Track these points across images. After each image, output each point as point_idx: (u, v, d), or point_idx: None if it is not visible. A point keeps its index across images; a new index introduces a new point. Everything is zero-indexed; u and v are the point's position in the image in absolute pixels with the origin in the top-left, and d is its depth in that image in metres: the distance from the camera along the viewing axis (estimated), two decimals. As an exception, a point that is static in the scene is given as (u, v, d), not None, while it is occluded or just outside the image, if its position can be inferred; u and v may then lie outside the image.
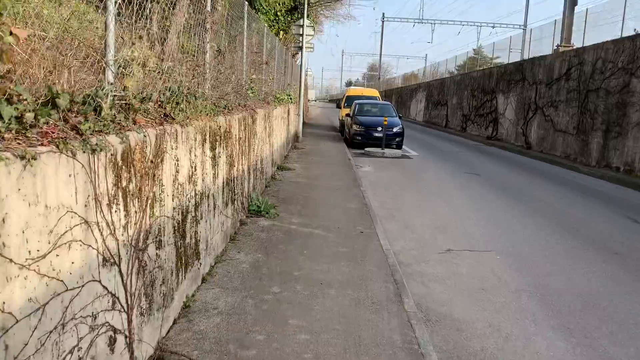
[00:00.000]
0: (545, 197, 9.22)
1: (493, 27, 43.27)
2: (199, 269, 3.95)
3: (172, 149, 3.21)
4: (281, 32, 18.39)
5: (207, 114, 4.22)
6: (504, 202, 8.60)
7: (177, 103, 3.67)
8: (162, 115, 3.34)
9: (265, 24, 11.02)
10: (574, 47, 16.56)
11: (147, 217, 2.80)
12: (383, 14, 47.88)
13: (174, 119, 3.40)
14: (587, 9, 16.42)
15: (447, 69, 34.27)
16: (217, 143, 4.52)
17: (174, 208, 3.27)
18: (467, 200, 8.63)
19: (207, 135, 4.13)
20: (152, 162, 2.84)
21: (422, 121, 35.89)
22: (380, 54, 52.77)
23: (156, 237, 2.94)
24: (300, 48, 16.22)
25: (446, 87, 30.41)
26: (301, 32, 15.91)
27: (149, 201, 2.81)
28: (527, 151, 17.33)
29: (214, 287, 3.98)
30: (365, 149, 15.42)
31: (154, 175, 2.88)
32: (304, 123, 18.83)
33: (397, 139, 15.84)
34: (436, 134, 25.44)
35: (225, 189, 4.99)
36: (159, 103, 3.35)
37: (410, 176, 11.19)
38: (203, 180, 4.03)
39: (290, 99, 13.44)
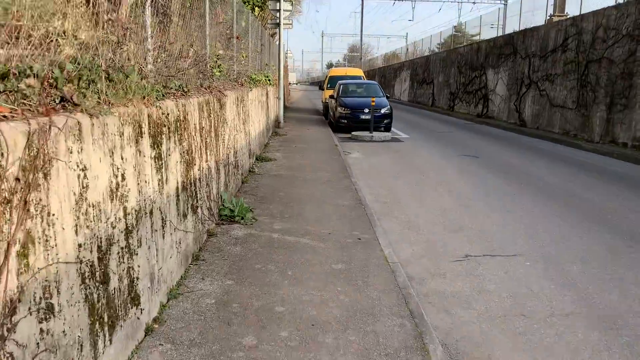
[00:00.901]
0: (557, 181, 8.21)
1: (474, 2, 42.23)
2: (138, 318, 2.78)
3: (71, 152, 2.03)
4: (256, 9, 16.95)
5: (145, 97, 3.02)
6: (514, 189, 7.56)
7: (92, 81, 2.48)
8: (57, 100, 2.14)
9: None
10: (570, 16, 15.51)
11: (13, 275, 1.63)
12: (363, -9, 46.20)
13: (77, 104, 2.21)
14: (583, -26, 15.34)
15: (430, 47, 33.08)
16: (164, 136, 3.32)
17: (80, 245, 2.09)
18: (472, 189, 7.57)
19: (146, 127, 2.94)
20: (18, 180, 1.66)
21: (407, 101, 34.79)
22: (361, 34, 51.05)
23: (38, 303, 1.77)
24: (278, 25, 14.85)
25: (431, 64, 29.24)
26: (278, 8, 14.54)
27: (15, 247, 1.64)
28: (522, 128, 16.36)
29: (162, 342, 2.82)
30: (352, 133, 14.25)
31: (26, 202, 1.70)
32: (285, 107, 17.52)
33: (385, 121, 14.69)
34: (423, 114, 24.36)
35: (182, 195, 3.81)
36: (51, 82, 2.15)
37: (404, 162, 10.09)
38: (140, 192, 2.85)
39: (269, 80, 12.15)
